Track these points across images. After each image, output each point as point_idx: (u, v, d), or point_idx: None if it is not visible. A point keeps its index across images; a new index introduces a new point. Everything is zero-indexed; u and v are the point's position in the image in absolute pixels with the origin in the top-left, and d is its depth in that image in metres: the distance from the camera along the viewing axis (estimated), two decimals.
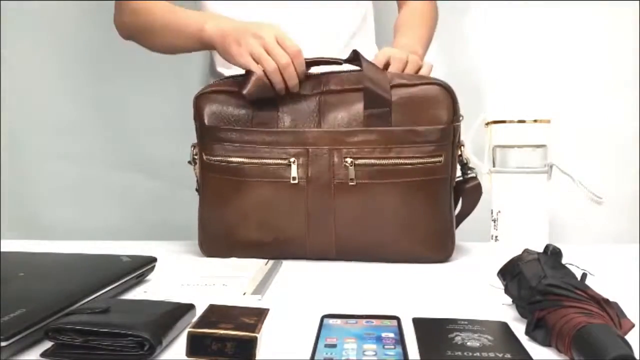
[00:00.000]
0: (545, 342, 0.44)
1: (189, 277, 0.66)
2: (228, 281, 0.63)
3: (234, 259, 0.75)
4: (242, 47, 0.78)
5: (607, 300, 0.45)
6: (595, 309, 0.43)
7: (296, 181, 0.74)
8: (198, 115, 0.78)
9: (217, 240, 0.79)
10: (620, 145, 1.37)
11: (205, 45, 0.86)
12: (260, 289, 0.61)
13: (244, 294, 0.59)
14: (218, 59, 1.00)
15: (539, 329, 0.45)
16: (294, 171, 0.74)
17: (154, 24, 0.93)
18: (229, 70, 0.94)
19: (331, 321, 0.49)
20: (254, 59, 0.76)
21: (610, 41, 1.37)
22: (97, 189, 1.49)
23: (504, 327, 0.48)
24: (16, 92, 1.47)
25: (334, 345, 0.43)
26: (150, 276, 0.66)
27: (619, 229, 1.31)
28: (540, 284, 0.47)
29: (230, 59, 0.80)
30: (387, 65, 0.80)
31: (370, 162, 0.72)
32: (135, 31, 0.98)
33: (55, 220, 1.48)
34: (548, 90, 1.39)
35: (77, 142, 1.48)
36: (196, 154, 0.80)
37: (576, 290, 0.45)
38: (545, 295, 0.46)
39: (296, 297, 0.60)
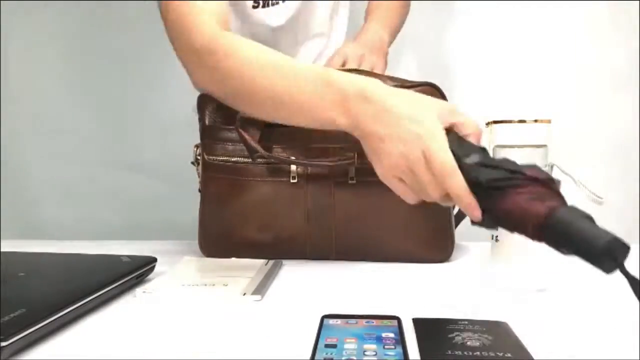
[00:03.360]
0: (494, 227, 0.44)
1: (189, 277, 0.66)
2: (228, 281, 0.63)
3: (233, 259, 0.75)
4: (386, 170, 0.56)
5: (551, 179, 0.44)
6: (541, 188, 0.43)
7: (295, 180, 0.74)
8: (201, 115, 0.78)
9: (217, 240, 0.79)
10: (620, 145, 1.37)
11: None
12: (260, 289, 0.61)
13: (244, 294, 0.59)
14: None
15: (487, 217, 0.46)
16: (293, 170, 0.74)
17: (255, 95, 0.63)
18: None
19: (331, 321, 0.49)
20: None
21: (611, 41, 1.37)
22: (97, 189, 1.49)
23: (504, 327, 0.48)
24: (16, 92, 1.48)
25: (334, 346, 0.43)
26: (150, 276, 0.66)
27: (619, 229, 1.31)
28: (478, 177, 0.46)
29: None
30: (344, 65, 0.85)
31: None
32: (225, 95, 0.68)
33: (55, 220, 1.48)
34: (548, 90, 1.39)
35: (76, 142, 1.48)
36: (199, 154, 0.80)
37: (517, 174, 0.44)
38: (489, 189, 0.45)
39: (296, 297, 0.60)
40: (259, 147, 0.71)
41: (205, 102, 0.78)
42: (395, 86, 0.73)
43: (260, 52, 0.64)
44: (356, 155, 0.71)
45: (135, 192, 1.48)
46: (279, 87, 0.61)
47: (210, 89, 0.68)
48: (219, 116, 0.77)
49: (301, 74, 0.61)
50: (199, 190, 0.81)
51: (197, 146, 0.80)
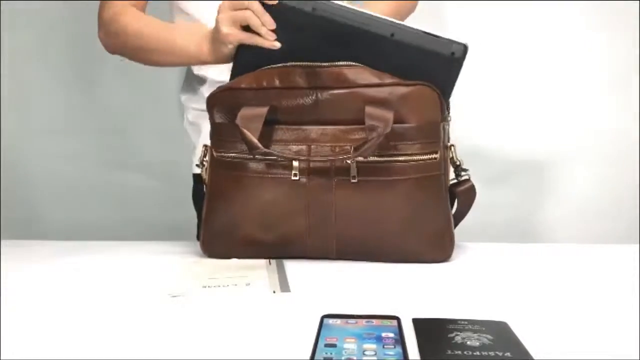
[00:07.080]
0: None
1: (204, 279, 0.66)
2: (249, 280, 0.64)
3: (234, 259, 0.75)
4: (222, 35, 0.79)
5: None
6: None
7: (297, 177, 0.74)
8: (210, 115, 0.79)
9: (219, 238, 0.79)
10: (620, 145, 1.37)
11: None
12: (284, 285, 0.62)
13: (274, 292, 0.60)
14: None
15: None
16: (295, 166, 0.74)
17: (143, 47, 0.94)
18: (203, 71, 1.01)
19: (331, 321, 0.49)
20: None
21: (611, 41, 1.37)
22: (97, 189, 1.49)
23: (504, 327, 0.48)
24: (16, 92, 1.48)
25: (334, 345, 0.43)
26: (161, 278, 0.66)
27: (618, 229, 1.31)
28: None
29: (223, 49, 0.81)
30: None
31: (371, 158, 0.72)
32: (123, 50, 0.99)
33: (55, 220, 1.48)
34: (548, 90, 1.39)
35: (76, 142, 1.48)
36: (206, 156, 0.81)
37: None
38: None
39: (296, 297, 0.60)
40: (258, 143, 0.72)
41: (213, 102, 0.79)
42: (392, 84, 0.73)
43: (140, 18, 0.95)
44: (352, 149, 0.71)
45: (135, 192, 1.48)
46: (162, 43, 0.92)
47: (115, 49, 0.98)
48: (226, 114, 0.78)
49: (175, 28, 0.96)
50: (205, 186, 0.81)
51: (205, 146, 0.81)
